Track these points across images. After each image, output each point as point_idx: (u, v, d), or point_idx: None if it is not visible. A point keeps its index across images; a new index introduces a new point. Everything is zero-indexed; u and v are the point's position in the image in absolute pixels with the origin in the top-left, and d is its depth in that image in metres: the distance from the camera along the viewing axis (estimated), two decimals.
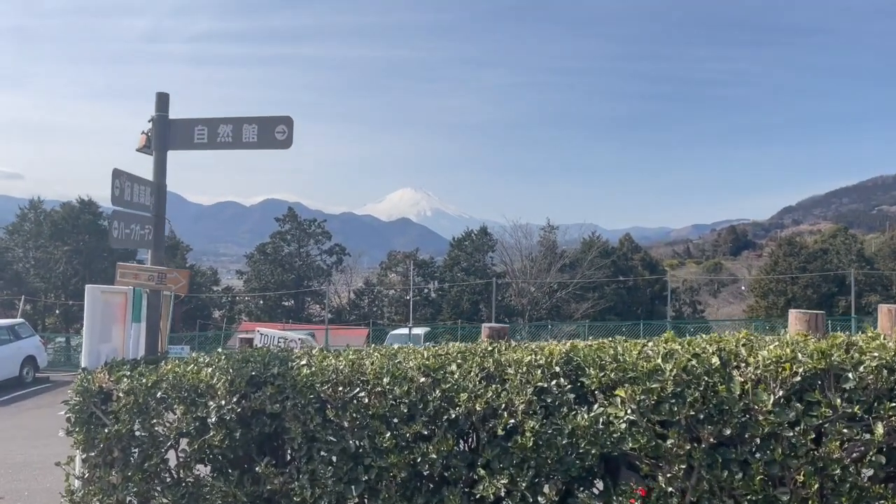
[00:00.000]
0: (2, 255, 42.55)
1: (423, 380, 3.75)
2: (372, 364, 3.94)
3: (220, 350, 4.52)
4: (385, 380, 3.79)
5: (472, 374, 3.72)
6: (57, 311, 40.89)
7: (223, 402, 4.01)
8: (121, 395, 4.28)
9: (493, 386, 3.64)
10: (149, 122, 5.16)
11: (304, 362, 4.12)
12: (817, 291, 51.55)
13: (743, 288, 55.70)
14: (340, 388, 3.85)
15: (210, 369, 4.19)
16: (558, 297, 48.81)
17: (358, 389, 3.84)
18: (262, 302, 51.74)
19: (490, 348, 4.06)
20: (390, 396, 3.75)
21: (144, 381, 4.25)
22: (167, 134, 5.12)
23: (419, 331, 31.13)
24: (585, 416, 3.42)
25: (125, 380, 4.31)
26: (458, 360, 3.86)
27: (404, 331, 31.30)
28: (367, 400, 3.80)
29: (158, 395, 4.21)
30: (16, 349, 18.60)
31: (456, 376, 3.73)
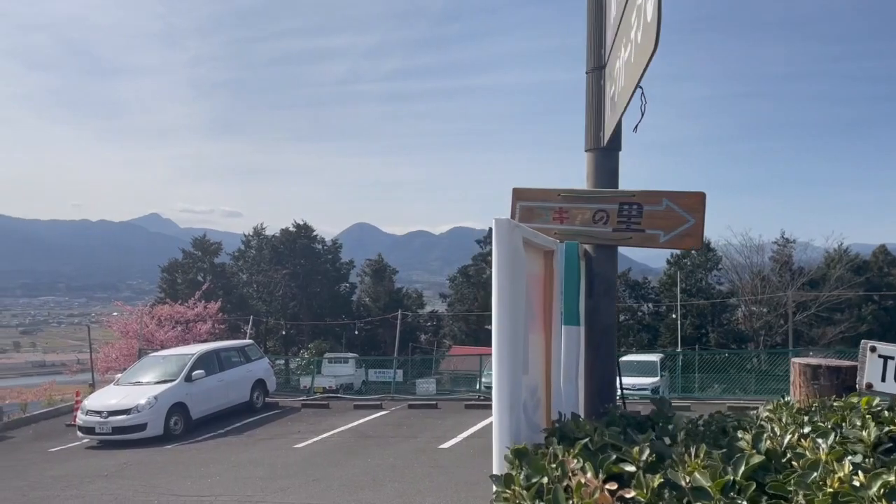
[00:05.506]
0: (229, 279, 44.92)
1: None
2: None
3: None
4: None
5: None
6: (283, 333, 41.71)
7: None
8: None
9: None
10: None
11: None
12: None
13: None
14: None
15: None
16: (797, 321, 41.91)
17: None
18: (464, 325, 50.14)
19: None
20: None
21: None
22: None
23: (653, 357, 26.83)
24: None
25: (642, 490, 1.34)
26: None
27: (636, 357, 27.13)
28: None
29: None
30: (246, 372, 17.35)
31: None
